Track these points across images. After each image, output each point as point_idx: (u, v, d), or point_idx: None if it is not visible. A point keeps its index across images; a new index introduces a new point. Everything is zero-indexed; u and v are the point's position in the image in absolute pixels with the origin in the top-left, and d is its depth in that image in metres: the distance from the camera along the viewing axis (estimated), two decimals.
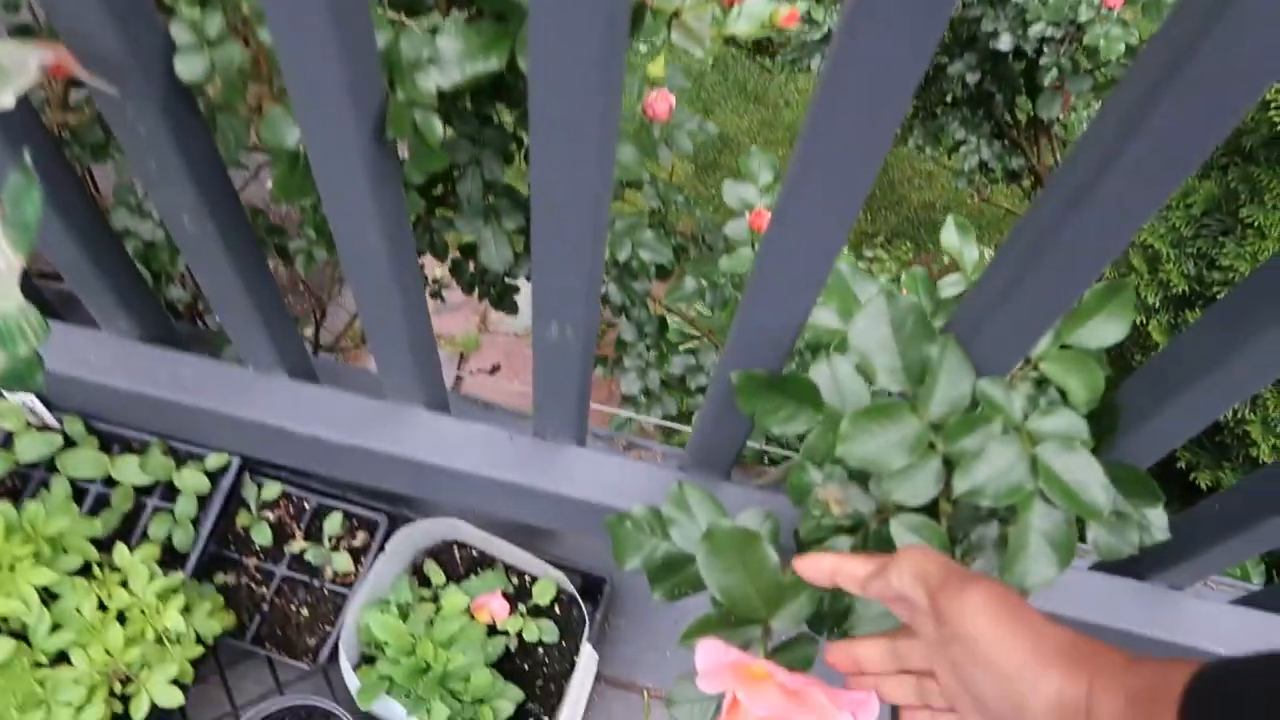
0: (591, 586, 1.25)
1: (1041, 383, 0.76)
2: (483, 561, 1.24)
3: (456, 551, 1.24)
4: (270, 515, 1.22)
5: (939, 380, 0.67)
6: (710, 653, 0.60)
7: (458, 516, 1.21)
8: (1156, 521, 0.76)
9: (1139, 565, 1.02)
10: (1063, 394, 0.74)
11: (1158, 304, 1.55)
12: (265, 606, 1.17)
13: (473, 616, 1.19)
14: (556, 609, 1.23)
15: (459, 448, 1.05)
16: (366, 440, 1.04)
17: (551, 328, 0.84)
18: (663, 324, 1.46)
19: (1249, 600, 1.04)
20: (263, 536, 1.18)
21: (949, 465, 0.67)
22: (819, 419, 0.77)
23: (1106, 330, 0.73)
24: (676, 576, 0.83)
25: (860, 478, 0.77)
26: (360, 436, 1.04)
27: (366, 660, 1.14)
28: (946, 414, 0.67)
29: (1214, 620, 0.98)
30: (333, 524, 1.20)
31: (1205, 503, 0.94)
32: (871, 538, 0.80)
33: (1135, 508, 0.76)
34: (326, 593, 1.20)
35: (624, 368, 1.45)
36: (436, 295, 1.96)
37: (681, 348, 1.48)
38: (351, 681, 1.08)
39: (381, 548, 1.18)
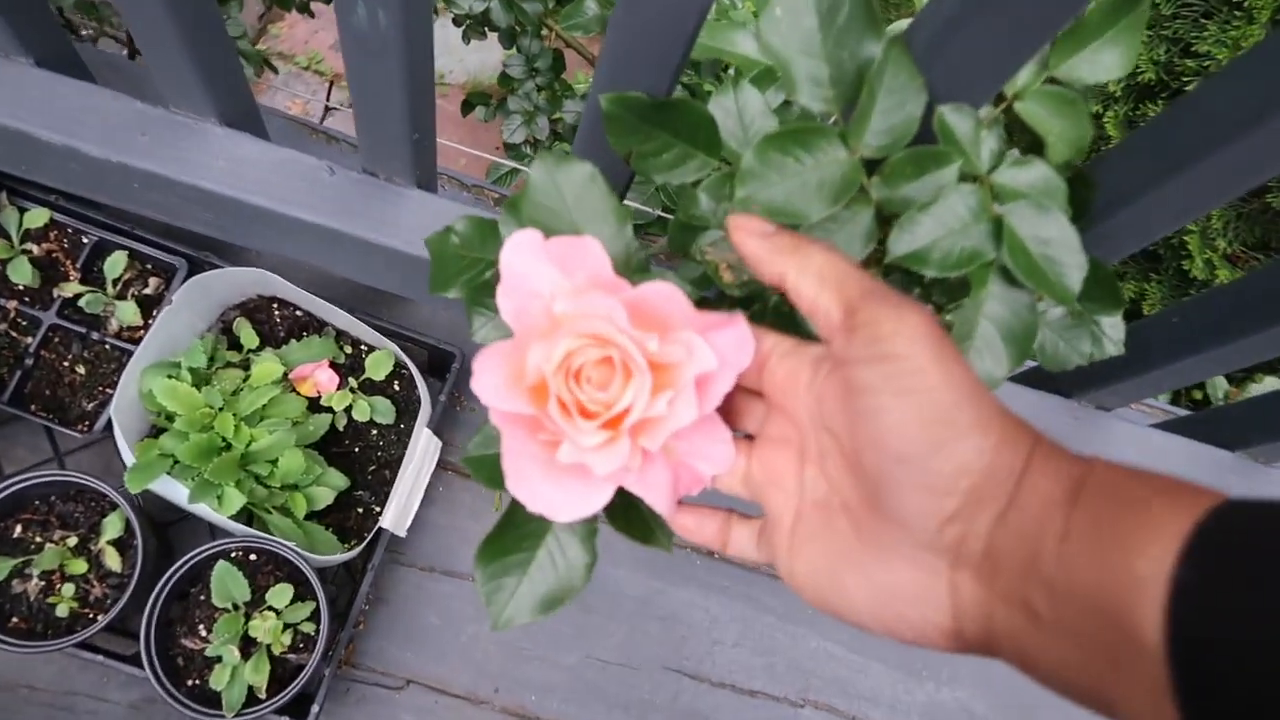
0: (440, 363, 1.06)
1: (1010, 134, 0.57)
2: (310, 326, 1.04)
3: (277, 312, 1.03)
4: (36, 249, 0.97)
5: (878, 97, 0.47)
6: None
7: (282, 270, 0.99)
8: (1112, 332, 0.60)
9: (1065, 381, 0.88)
10: (1036, 147, 0.55)
11: (1119, 92, 1.37)
12: (29, 361, 0.95)
13: (295, 390, 0.99)
14: (396, 386, 1.04)
15: (263, 178, 0.81)
16: (138, 158, 0.80)
17: (358, 9, 0.60)
18: (557, 59, 1.20)
19: (1171, 426, 0.92)
20: (22, 275, 0.95)
21: (884, 220, 0.48)
22: (714, 164, 0.57)
23: (1108, 60, 0.54)
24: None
25: None
26: (131, 153, 0.80)
27: (159, 435, 0.95)
28: (887, 146, 0.47)
29: (1144, 445, 0.85)
30: (115, 265, 0.97)
31: (1156, 317, 0.79)
32: (770, 312, 0.63)
33: (1092, 312, 0.60)
34: (109, 349, 0.98)
35: (508, 110, 1.20)
36: (304, 8, 1.64)
37: (579, 90, 1.23)
38: (127, 457, 0.89)
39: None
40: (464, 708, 1.05)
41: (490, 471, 0.44)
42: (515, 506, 0.43)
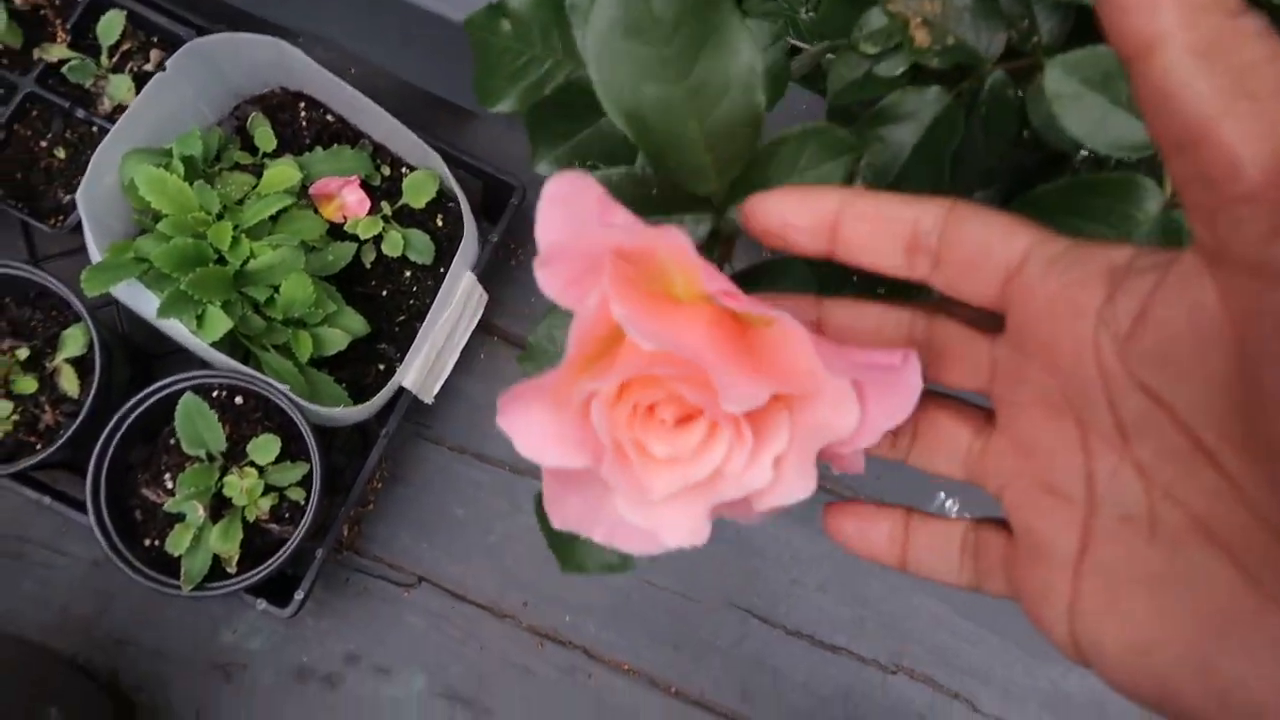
0: (497, 200, 0.86)
1: None
2: (342, 137, 0.84)
3: (304, 114, 0.83)
4: (18, 0, 0.79)
5: None
6: (569, 199, 0.24)
7: (325, 63, 0.78)
8: None
9: None
10: None
11: None
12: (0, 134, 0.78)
13: (315, 209, 0.80)
14: (439, 222, 0.84)
15: None
16: None
17: None
18: None
19: None
20: None
21: None
22: None
23: None
24: (577, 126, 0.43)
25: None
26: None
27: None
28: None
29: None
30: (111, 27, 0.78)
31: None
32: (987, 96, 0.41)
33: None
34: (96, 132, 0.80)
35: None
36: None
37: None
38: (94, 254, 0.71)
39: None
40: (484, 619, 0.87)
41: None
42: None
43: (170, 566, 0.71)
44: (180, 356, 0.83)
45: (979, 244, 0.21)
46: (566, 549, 0.34)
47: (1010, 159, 0.45)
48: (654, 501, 0.25)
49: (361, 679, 0.86)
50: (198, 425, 0.69)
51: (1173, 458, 0.18)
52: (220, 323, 0.69)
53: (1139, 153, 0.32)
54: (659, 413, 0.24)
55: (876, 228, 0.22)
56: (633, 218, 0.23)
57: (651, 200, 0.31)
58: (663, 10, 0.28)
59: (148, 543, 0.72)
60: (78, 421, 0.70)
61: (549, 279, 0.24)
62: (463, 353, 0.85)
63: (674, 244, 0.22)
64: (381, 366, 0.83)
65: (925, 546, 0.25)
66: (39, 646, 0.82)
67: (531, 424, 0.24)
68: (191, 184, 0.73)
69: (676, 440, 0.24)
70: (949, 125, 0.40)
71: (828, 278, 0.30)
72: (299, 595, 0.75)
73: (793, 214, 0.23)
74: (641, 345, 0.23)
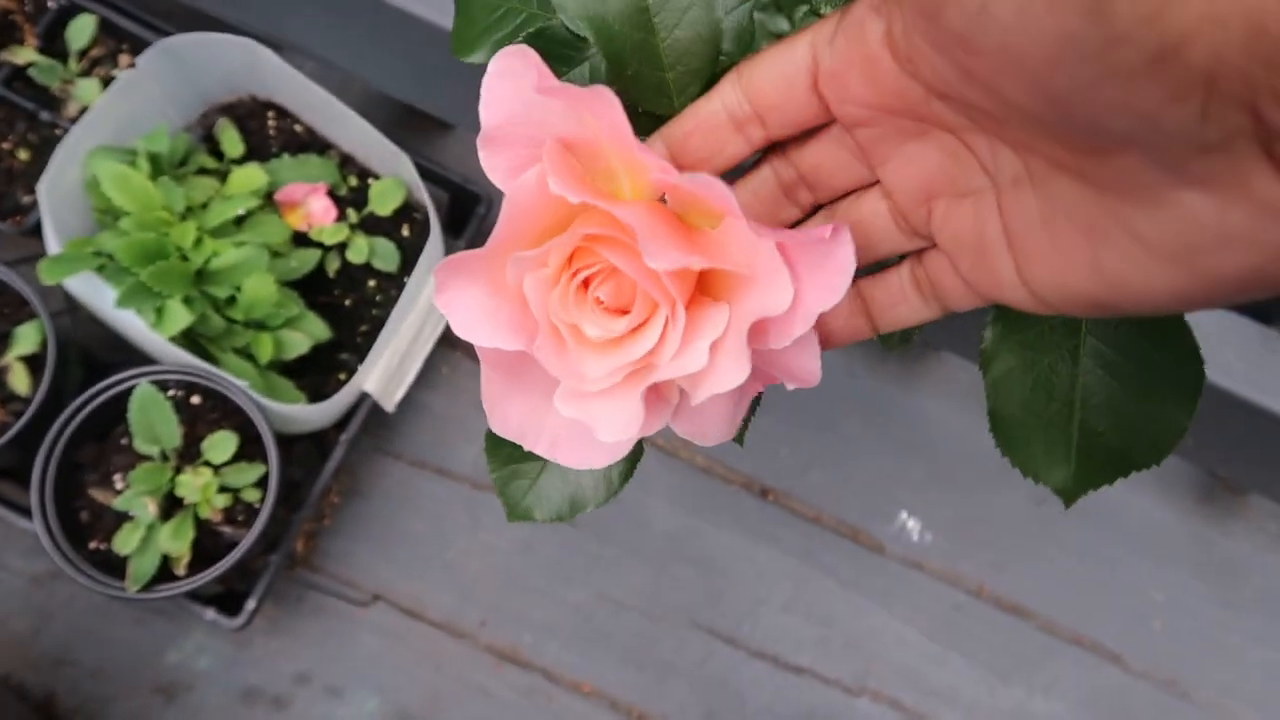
0: (463, 211, 0.86)
1: None
2: (311, 148, 0.84)
3: (272, 123, 0.84)
4: None
5: None
6: (513, 74, 0.24)
7: (304, 76, 0.79)
8: None
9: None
10: None
11: None
12: None
13: (281, 216, 0.80)
14: (405, 231, 0.84)
15: None
16: None
17: None
18: None
19: None
20: None
21: None
22: None
23: None
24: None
25: None
26: None
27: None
28: None
29: None
30: (81, 31, 0.79)
31: None
32: None
33: None
34: (61, 134, 0.79)
35: None
36: None
37: None
38: (52, 245, 0.70)
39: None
40: (440, 639, 0.85)
41: None
42: None
43: (116, 569, 0.68)
44: (135, 365, 0.81)
45: (774, 79, 0.24)
46: (513, 493, 0.35)
47: None
48: (589, 392, 0.25)
49: (312, 700, 0.82)
50: (152, 418, 0.67)
51: (1012, 120, 0.20)
52: (179, 317, 0.68)
53: None
54: (593, 291, 0.25)
55: (706, 134, 0.25)
56: (571, 88, 0.23)
57: None
58: None
59: (94, 545, 0.69)
60: (25, 418, 0.68)
61: (492, 161, 0.25)
62: (425, 367, 0.84)
63: (605, 103, 0.22)
64: (343, 375, 0.82)
65: (884, 301, 0.26)
66: None
67: (468, 302, 0.25)
68: (156, 182, 0.72)
69: (611, 324, 0.24)
70: None
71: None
72: (250, 605, 0.72)
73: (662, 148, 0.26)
74: (572, 202, 0.23)
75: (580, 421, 0.25)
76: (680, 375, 0.24)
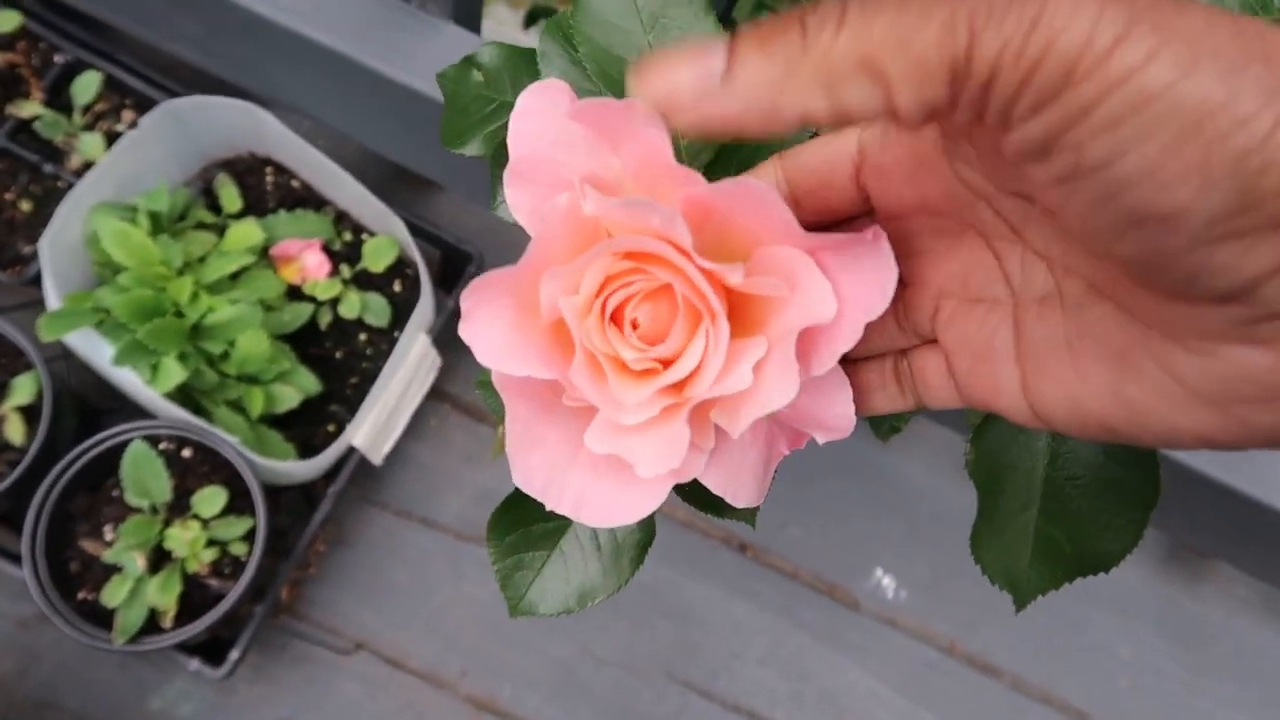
0: (454, 269, 0.89)
1: None
2: (307, 203, 0.86)
3: (270, 178, 0.86)
4: None
5: None
6: (542, 111, 0.24)
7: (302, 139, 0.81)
8: None
9: None
10: None
11: None
12: None
13: (275, 270, 0.82)
14: (397, 286, 0.86)
15: None
16: None
17: None
18: None
19: None
20: None
21: None
22: None
23: None
24: None
25: None
26: None
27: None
28: None
29: None
30: (86, 87, 0.81)
31: None
32: None
33: None
34: (62, 187, 0.81)
35: None
36: None
37: None
38: (52, 300, 0.72)
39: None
40: (421, 689, 0.86)
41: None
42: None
43: (103, 620, 0.69)
44: (128, 414, 0.83)
45: (816, 164, 0.23)
46: (516, 585, 0.33)
47: None
48: (627, 426, 0.23)
49: None
50: (144, 473, 0.69)
51: (1056, 237, 0.21)
52: (174, 374, 0.70)
53: None
54: (629, 315, 0.23)
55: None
56: (607, 102, 0.21)
57: None
58: (645, 4, 0.30)
59: (82, 595, 0.71)
60: (20, 469, 0.69)
61: (517, 196, 0.24)
62: (414, 419, 0.86)
63: (640, 118, 0.21)
64: (332, 427, 0.84)
65: (861, 387, 0.26)
66: None
67: (497, 331, 0.23)
68: (155, 239, 0.74)
69: (650, 349, 0.23)
70: None
71: None
72: (234, 655, 0.74)
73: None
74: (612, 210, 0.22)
75: (610, 468, 0.24)
76: (726, 393, 0.23)
